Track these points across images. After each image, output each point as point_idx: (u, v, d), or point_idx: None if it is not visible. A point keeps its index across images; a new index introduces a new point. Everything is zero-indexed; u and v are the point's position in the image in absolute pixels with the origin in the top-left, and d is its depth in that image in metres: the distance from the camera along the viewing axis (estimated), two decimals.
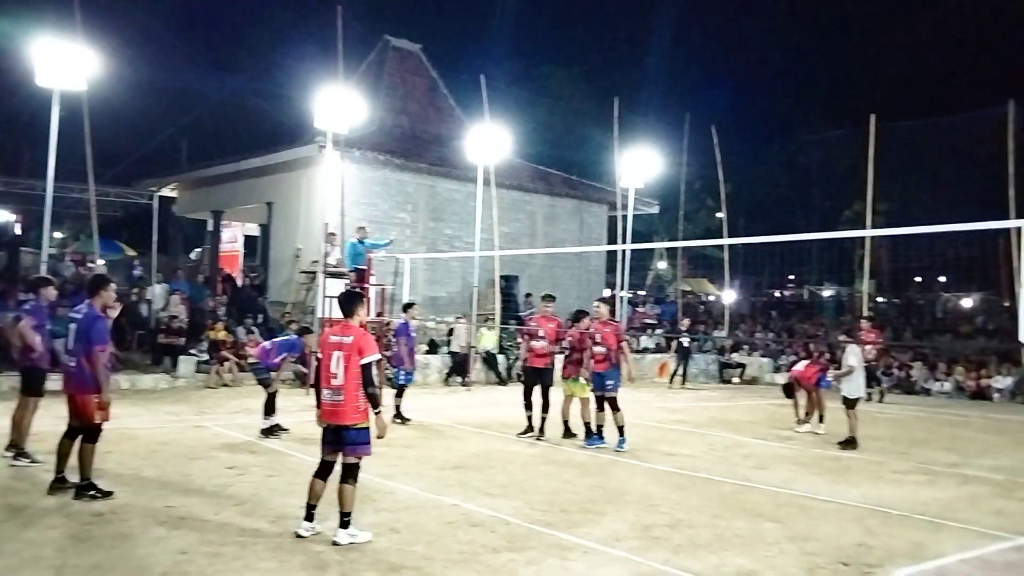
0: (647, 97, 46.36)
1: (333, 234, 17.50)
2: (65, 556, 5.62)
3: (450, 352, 19.84)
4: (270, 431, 10.82)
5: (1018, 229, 16.73)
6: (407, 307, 13.42)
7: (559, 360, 11.73)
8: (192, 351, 17.00)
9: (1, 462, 8.41)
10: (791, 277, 41.42)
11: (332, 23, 17.68)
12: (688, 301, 33.69)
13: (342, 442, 6.17)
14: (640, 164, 23.06)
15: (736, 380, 23.61)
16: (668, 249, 36.86)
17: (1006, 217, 18.20)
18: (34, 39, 14.30)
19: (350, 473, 6.19)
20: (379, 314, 17.48)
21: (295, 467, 8.87)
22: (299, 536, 6.16)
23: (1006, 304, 28.10)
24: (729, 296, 29.28)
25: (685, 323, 24.53)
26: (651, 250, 38.45)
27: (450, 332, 20.36)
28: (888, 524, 7.30)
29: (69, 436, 7.35)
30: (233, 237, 28.12)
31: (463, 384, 19.07)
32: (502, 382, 19.94)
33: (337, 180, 17.44)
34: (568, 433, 11.46)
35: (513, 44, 50.03)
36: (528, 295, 23.33)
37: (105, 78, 15.54)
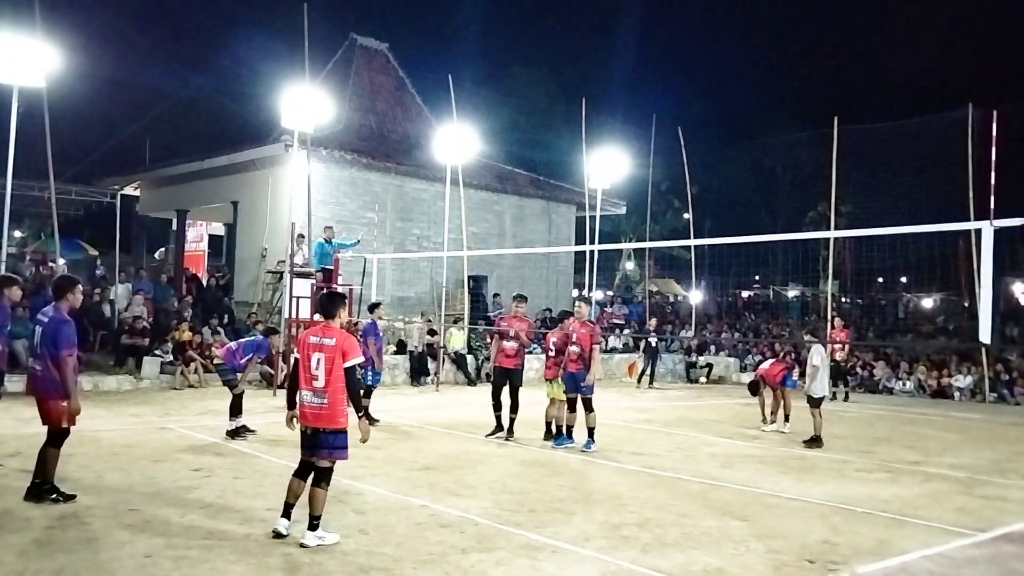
0: (615, 98, 46.78)
1: (302, 236, 17.38)
2: (27, 561, 5.52)
3: (408, 352, 19.76)
4: (236, 432, 10.71)
5: (977, 231, 16.99)
6: (373, 307, 13.34)
7: (536, 362, 11.73)
8: (156, 352, 16.76)
9: None
10: (756, 277, 41.81)
11: (298, 21, 17.54)
12: (655, 301, 33.89)
13: (320, 445, 6.10)
14: (608, 165, 23.18)
15: (703, 380, 23.78)
16: (636, 250, 37.04)
17: (966, 219, 18.52)
18: None
19: (323, 476, 6.14)
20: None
21: (262, 469, 8.79)
22: (277, 533, 6.12)
23: (966, 304, 28.62)
24: (696, 296, 29.52)
25: (652, 323, 24.68)
26: (619, 250, 38.62)
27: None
28: (852, 521, 7.40)
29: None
30: (198, 236, 27.81)
31: (416, 383, 18.95)
32: (471, 382, 19.90)
33: (304, 179, 17.31)
34: (550, 435, 11.41)
35: (481, 44, 50.10)
36: (496, 295, 23.34)
37: (65, 74, 15.28)
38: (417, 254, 21.81)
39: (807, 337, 14.27)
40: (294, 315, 16.31)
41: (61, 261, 16.86)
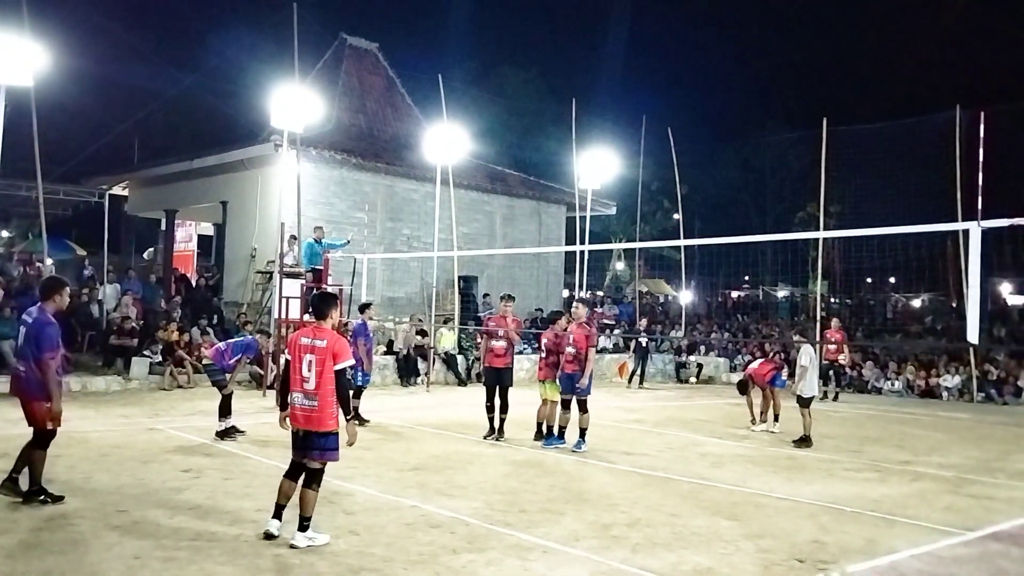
0: (604, 99, 46.83)
1: (294, 237, 17.34)
2: (14, 563, 5.48)
3: (394, 352, 19.75)
4: (225, 433, 10.67)
5: (965, 231, 17.10)
6: (364, 307, 13.31)
7: (527, 362, 11.72)
8: (145, 352, 16.69)
9: None
10: (746, 278, 41.95)
11: (287, 20, 17.49)
12: (645, 302, 33.94)
13: (310, 447, 6.09)
14: (597, 165, 23.19)
15: (693, 380, 23.84)
16: (626, 250, 37.10)
17: (954, 219, 18.64)
18: None
19: (314, 478, 6.13)
20: None
21: (251, 470, 8.76)
22: (268, 534, 6.10)
23: (954, 305, 28.77)
24: (686, 296, 29.58)
25: (643, 323, 24.72)
26: (609, 251, 38.68)
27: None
28: (841, 521, 7.43)
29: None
30: (187, 236, 27.69)
31: (405, 383, 18.95)
32: (462, 383, 19.90)
33: (293, 179, 17.26)
34: (541, 435, 11.39)
35: (471, 44, 50.08)
36: (487, 295, 23.33)
37: (54, 73, 15.18)
38: (407, 254, 21.78)
39: (796, 337, 14.32)
40: (284, 315, 16.26)
41: (49, 261, 16.76)
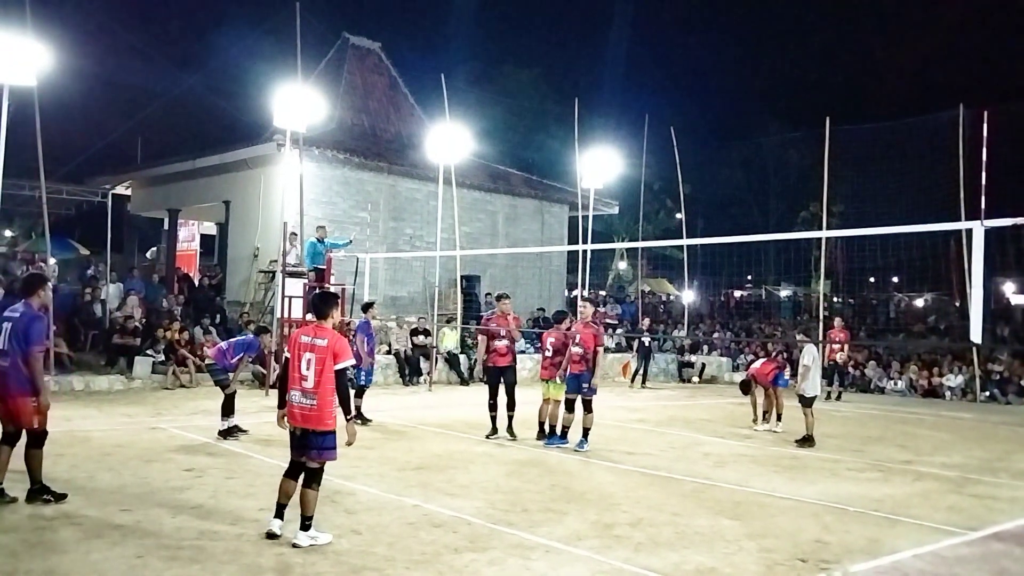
0: (607, 98, 46.76)
1: (295, 234, 17.35)
2: (17, 562, 5.49)
3: (392, 352, 19.76)
4: (228, 432, 10.68)
5: (968, 230, 17.07)
6: (367, 307, 13.32)
7: (529, 361, 11.70)
8: (148, 352, 16.70)
9: None
10: (749, 277, 41.93)
11: (290, 20, 17.49)
12: (648, 301, 33.92)
13: (308, 446, 6.08)
14: (600, 165, 23.16)
15: (695, 379, 23.83)
16: (628, 249, 37.09)
17: (957, 219, 18.58)
18: None
19: (314, 477, 6.12)
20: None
21: (254, 469, 8.77)
22: (271, 534, 6.09)
23: (957, 304, 28.72)
24: (688, 296, 29.56)
25: (645, 323, 24.71)
26: (612, 250, 38.67)
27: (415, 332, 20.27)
28: (844, 520, 7.42)
29: (7, 442, 7.03)
30: (190, 236, 27.73)
31: (407, 383, 18.99)
32: (464, 382, 19.91)
33: (296, 179, 17.27)
34: (543, 434, 11.38)
35: (473, 44, 50.08)
36: (489, 295, 23.33)
37: (57, 73, 15.17)
38: (410, 254, 21.79)
39: (799, 337, 14.29)
40: (286, 315, 16.27)
41: (52, 260, 16.78)
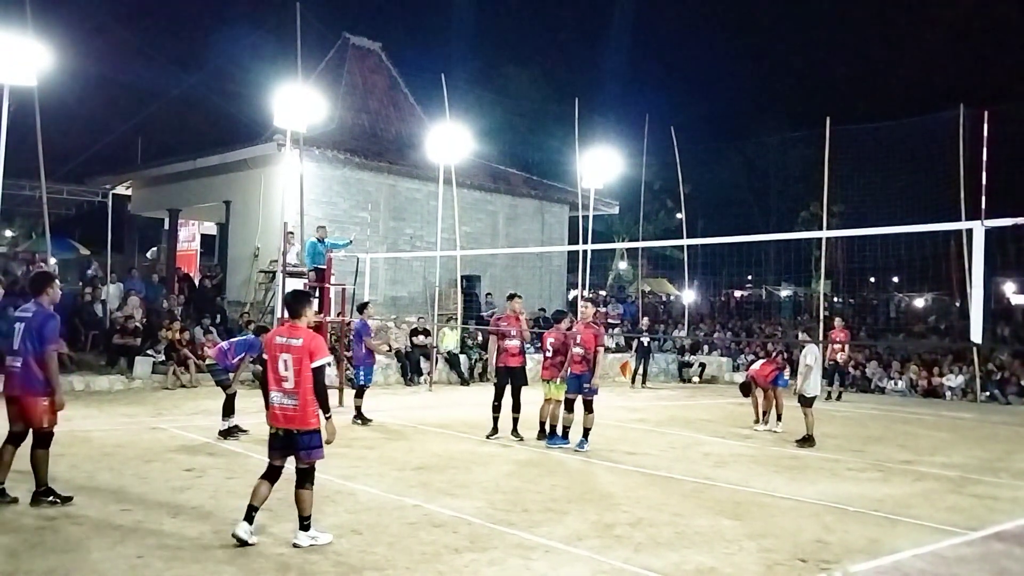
0: (607, 98, 46.70)
1: (291, 233, 17.35)
2: (18, 562, 5.49)
3: (395, 352, 19.77)
4: (228, 432, 10.69)
5: (969, 230, 17.07)
6: (362, 307, 13.29)
7: (528, 361, 11.68)
8: (148, 352, 16.71)
9: None
10: (749, 277, 41.93)
11: (290, 20, 17.49)
12: (648, 301, 33.93)
13: (295, 447, 6.04)
14: (601, 165, 23.17)
15: (696, 379, 23.83)
16: (629, 249, 37.08)
17: (957, 218, 18.57)
18: None
19: (306, 477, 6.05)
20: (339, 314, 17.35)
21: (254, 469, 8.73)
22: (240, 540, 5.89)
23: (957, 304, 28.72)
24: (689, 296, 29.56)
25: (645, 323, 24.71)
26: (612, 250, 38.67)
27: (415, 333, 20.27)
28: (844, 520, 7.42)
29: (12, 442, 7.02)
30: (190, 236, 27.74)
31: (407, 383, 19.01)
32: (464, 382, 19.92)
33: (296, 179, 17.27)
34: (544, 434, 11.37)
35: (474, 44, 50.00)
36: (489, 295, 23.35)
37: (57, 73, 15.19)
38: (410, 254, 21.79)
39: (801, 336, 14.27)
40: (286, 315, 16.25)
41: (52, 260, 16.78)
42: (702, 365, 24.34)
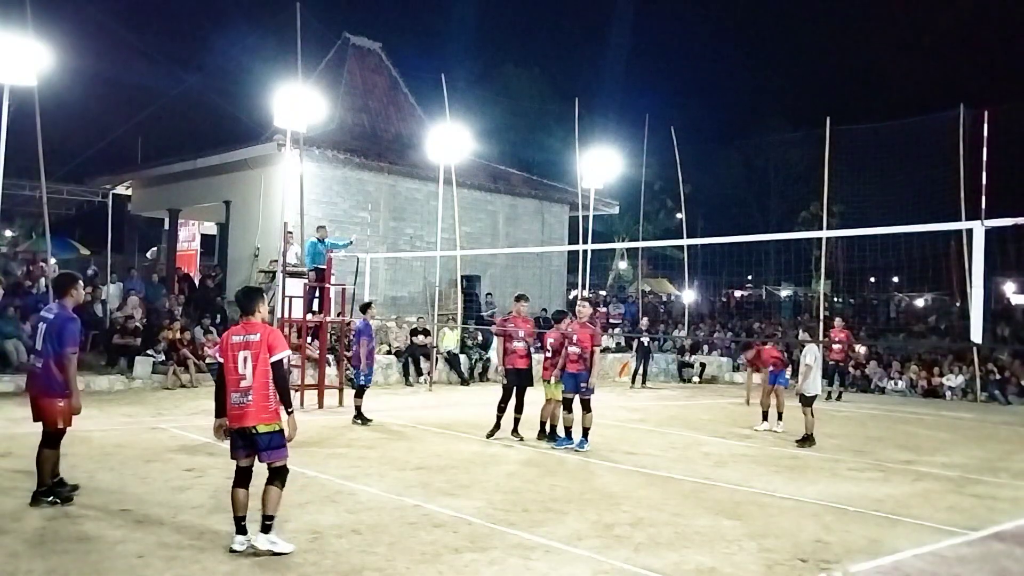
0: (608, 98, 46.76)
1: (291, 233, 17.36)
2: (18, 562, 5.49)
3: (395, 352, 19.77)
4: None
5: (969, 230, 17.08)
6: (365, 307, 13.30)
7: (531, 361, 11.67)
8: (148, 352, 16.70)
9: None
10: (749, 277, 41.94)
11: (291, 20, 17.49)
12: (648, 301, 33.92)
13: (256, 447, 5.87)
14: (601, 165, 23.18)
15: (696, 379, 23.82)
16: (629, 249, 37.10)
17: (957, 218, 18.57)
18: None
19: (277, 475, 5.90)
20: (339, 314, 17.37)
21: (253, 469, 8.74)
22: (234, 551, 5.81)
23: (957, 304, 28.72)
24: (689, 296, 29.56)
25: (645, 323, 24.71)
26: (612, 250, 38.69)
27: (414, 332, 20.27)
28: (844, 520, 7.42)
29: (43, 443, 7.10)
30: (190, 236, 27.74)
31: (408, 383, 19.03)
32: (464, 382, 19.92)
33: (296, 179, 17.27)
34: (544, 434, 11.40)
35: (474, 44, 50.05)
36: (489, 295, 23.35)
37: (57, 73, 15.19)
38: (410, 254, 21.79)
39: (802, 335, 14.24)
40: (287, 315, 16.26)
41: (52, 260, 16.79)
42: (702, 365, 24.33)
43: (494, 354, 16.56)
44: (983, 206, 16.68)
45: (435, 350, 19.64)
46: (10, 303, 16.28)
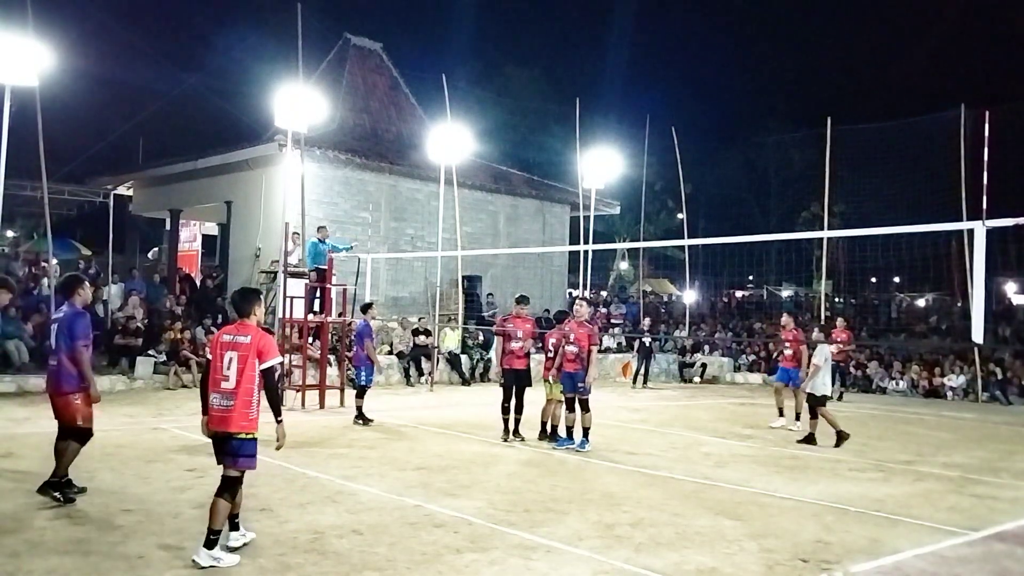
0: (608, 98, 46.80)
1: (297, 233, 17.37)
2: (19, 562, 5.50)
3: (397, 353, 19.77)
4: None
5: (970, 230, 17.06)
6: (366, 308, 13.31)
7: (531, 361, 11.68)
8: (150, 352, 16.71)
9: None
10: (750, 277, 41.91)
11: (291, 20, 17.48)
12: (650, 301, 33.91)
13: (226, 452, 5.74)
14: (601, 165, 23.18)
15: (697, 379, 23.82)
16: (630, 249, 37.09)
17: (958, 219, 18.57)
18: None
19: (227, 487, 5.69)
20: (340, 314, 17.37)
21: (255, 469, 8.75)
22: (231, 549, 5.74)
23: (959, 304, 28.69)
24: (690, 296, 29.55)
25: (646, 323, 24.70)
26: (613, 250, 38.68)
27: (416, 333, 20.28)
28: (845, 521, 7.42)
29: (62, 437, 7.24)
30: (191, 236, 27.76)
31: (409, 383, 19.06)
32: (465, 382, 19.92)
33: (297, 179, 17.28)
34: (545, 435, 11.41)
35: (475, 44, 50.03)
36: (491, 295, 23.35)
37: (58, 73, 15.19)
38: (411, 254, 21.79)
39: (815, 334, 14.10)
40: (288, 315, 16.27)
41: (54, 261, 16.80)
42: (703, 365, 24.34)
43: (495, 354, 16.57)
44: (984, 206, 16.71)
45: (436, 350, 19.65)
46: (12, 303, 16.27)
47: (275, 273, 18.99)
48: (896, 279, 36.16)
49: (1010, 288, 36.69)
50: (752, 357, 25.41)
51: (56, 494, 6.99)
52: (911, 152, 22.92)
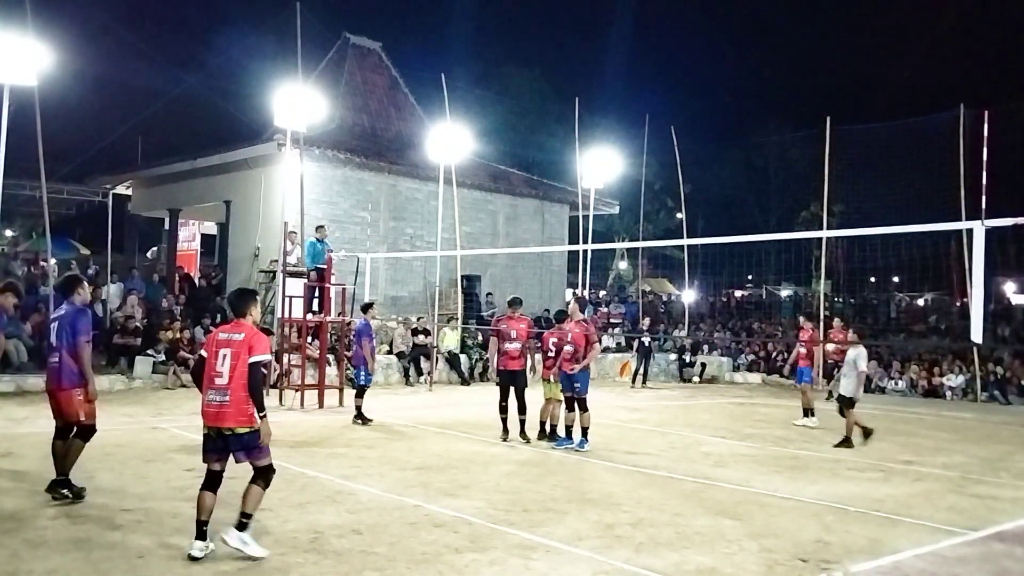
0: (608, 98, 46.83)
1: (294, 232, 17.37)
2: (19, 562, 5.50)
3: (397, 353, 19.78)
4: None
5: (969, 230, 17.06)
6: (366, 307, 13.30)
7: (529, 361, 11.66)
8: (149, 352, 16.70)
9: None
10: (750, 277, 41.92)
11: (291, 20, 17.50)
12: (649, 301, 33.91)
13: (231, 449, 5.78)
14: (601, 164, 23.18)
15: (696, 379, 23.82)
16: (629, 249, 37.10)
17: (958, 218, 18.56)
18: None
19: (262, 475, 5.87)
20: (340, 314, 17.36)
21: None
22: (193, 558, 5.63)
23: (958, 304, 28.71)
24: (689, 296, 29.54)
25: (646, 322, 24.70)
26: (612, 250, 38.68)
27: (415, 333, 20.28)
28: (845, 520, 7.42)
29: (59, 437, 7.26)
30: (190, 236, 27.74)
31: (408, 383, 19.08)
32: (465, 382, 19.92)
33: (296, 178, 17.28)
34: (544, 434, 11.40)
35: (474, 44, 50.08)
36: (490, 294, 23.35)
37: (57, 73, 15.18)
38: (410, 253, 21.78)
39: (851, 335, 13.99)
40: (287, 315, 16.27)
41: (52, 260, 16.79)
42: (702, 365, 24.33)
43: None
44: (983, 206, 16.70)
45: (435, 350, 19.64)
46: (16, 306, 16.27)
47: (274, 272, 18.99)
48: (895, 279, 36.16)
49: (1009, 288, 36.73)
50: (751, 357, 25.40)
51: (64, 491, 7.04)
52: (910, 152, 22.91)
